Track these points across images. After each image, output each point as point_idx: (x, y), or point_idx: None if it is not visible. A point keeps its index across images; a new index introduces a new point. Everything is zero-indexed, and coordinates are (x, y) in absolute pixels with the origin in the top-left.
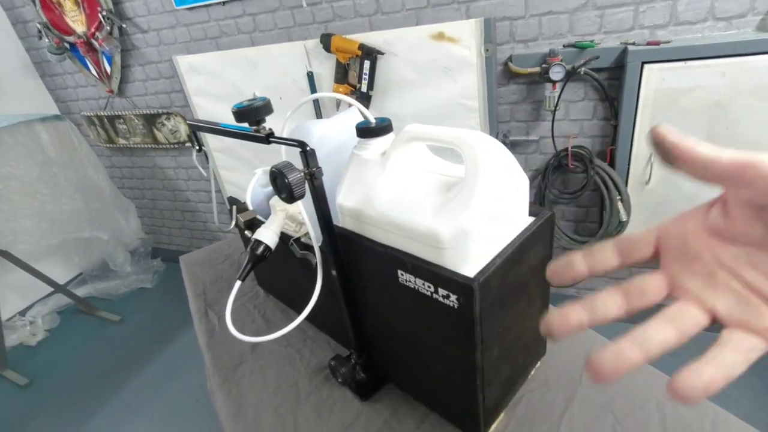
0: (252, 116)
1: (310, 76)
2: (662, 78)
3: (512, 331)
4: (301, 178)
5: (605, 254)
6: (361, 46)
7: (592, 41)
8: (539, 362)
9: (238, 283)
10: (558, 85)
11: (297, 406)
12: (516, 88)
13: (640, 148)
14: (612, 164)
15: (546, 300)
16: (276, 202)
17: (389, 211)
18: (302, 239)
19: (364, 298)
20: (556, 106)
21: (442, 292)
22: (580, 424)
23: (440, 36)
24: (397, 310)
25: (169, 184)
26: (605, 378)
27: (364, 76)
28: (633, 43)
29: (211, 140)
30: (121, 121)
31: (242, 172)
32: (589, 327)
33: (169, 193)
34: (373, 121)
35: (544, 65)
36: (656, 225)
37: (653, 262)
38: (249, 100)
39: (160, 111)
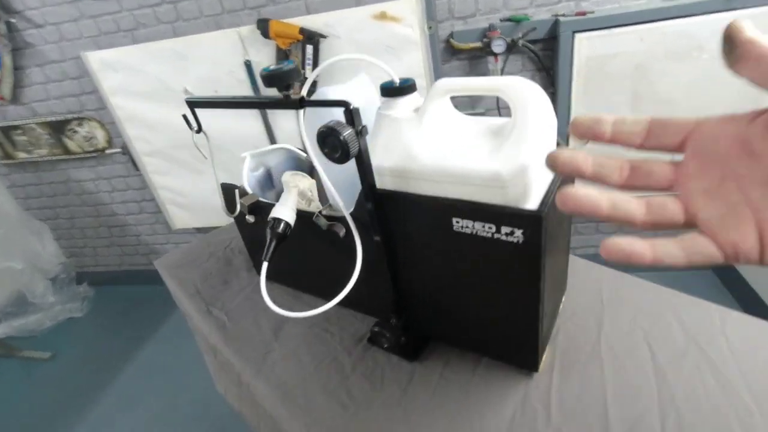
0: (283, 80)
1: (249, 65)
2: (591, 46)
3: (555, 265)
4: (354, 135)
5: (635, 127)
6: (302, 30)
7: (525, 15)
8: (564, 297)
9: (266, 264)
10: (500, 58)
11: (345, 380)
12: (459, 64)
13: (578, 113)
14: None
15: (568, 236)
16: (289, 178)
17: (440, 161)
18: (323, 212)
19: (408, 258)
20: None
21: (505, 230)
22: (616, 340)
23: (382, 16)
24: (449, 261)
25: (89, 199)
26: (570, 201)
27: (307, 61)
28: (563, 15)
29: (139, 144)
30: (20, 131)
31: (178, 175)
32: (591, 179)
33: (89, 208)
34: (397, 80)
35: (485, 40)
36: (696, 117)
37: (675, 151)
38: (277, 64)
39: (68, 117)
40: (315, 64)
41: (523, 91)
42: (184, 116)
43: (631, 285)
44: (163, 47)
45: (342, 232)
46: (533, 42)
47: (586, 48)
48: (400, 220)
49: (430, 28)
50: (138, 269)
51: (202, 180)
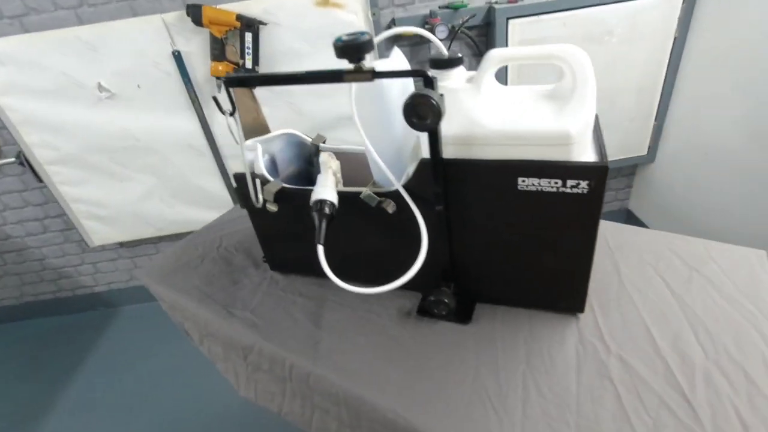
0: (361, 50)
1: (177, 56)
2: (523, 31)
3: None
4: (441, 99)
5: None
6: (240, 17)
7: (462, 2)
8: None
9: (321, 247)
10: (443, 44)
11: (408, 353)
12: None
13: None
14: None
15: None
16: (327, 159)
17: (506, 125)
18: (370, 190)
19: (465, 224)
20: None
21: (570, 183)
22: (635, 277)
23: (325, 2)
24: (509, 221)
25: None
26: None
27: (247, 50)
28: (496, 2)
29: (41, 152)
30: None
31: (95, 184)
32: None
33: None
34: (446, 53)
35: (426, 26)
36: None
37: None
38: (350, 34)
39: None
40: (255, 54)
41: (580, 56)
42: (215, 98)
43: (630, 232)
44: (65, 37)
45: (391, 208)
46: (469, 28)
47: (518, 33)
48: (462, 186)
49: (374, 14)
50: (44, 299)
51: (127, 187)
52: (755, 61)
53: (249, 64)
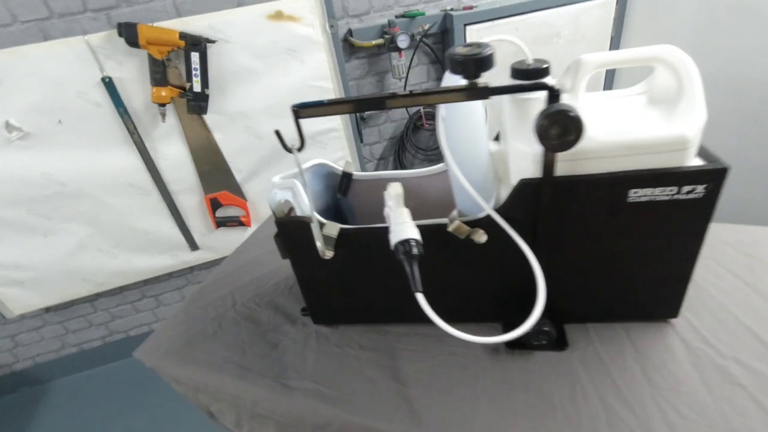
0: (482, 66)
1: (109, 83)
2: (479, 37)
3: None
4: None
5: None
6: (183, 35)
7: (417, 10)
8: None
9: (421, 295)
10: (404, 53)
11: (523, 397)
12: (358, 63)
13: None
14: None
15: None
16: (395, 189)
17: (617, 135)
18: (458, 220)
19: (561, 244)
20: (408, 72)
21: (686, 188)
22: (701, 270)
23: (278, 15)
24: (613, 235)
25: None
26: None
27: (194, 71)
28: (451, 9)
29: None
30: None
31: (10, 243)
32: None
33: None
34: (531, 61)
35: (386, 36)
36: None
37: None
38: (468, 46)
39: None
40: (204, 75)
41: (683, 57)
42: (277, 132)
43: None
44: None
45: (483, 238)
46: (427, 36)
47: (475, 39)
48: (564, 204)
49: (332, 26)
50: None
51: (53, 242)
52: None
53: (197, 87)
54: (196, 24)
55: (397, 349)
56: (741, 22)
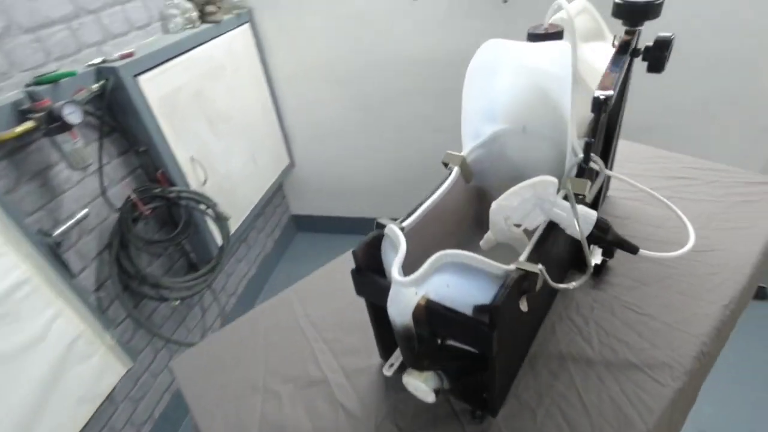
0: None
1: None
2: (156, 85)
3: None
4: None
5: None
6: None
7: (58, 71)
8: None
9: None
10: (77, 131)
11: None
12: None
13: (181, 154)
14: (172, 183)
15: None
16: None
17: None
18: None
19: None
20: (100, 153)
21: None
22: None
23: None
24: None
25: None
26: None
27: None
28: (104, 61)
29: None
30: None
31: None
32: None
33: None
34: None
35: (34, 115)
36: None
37: None
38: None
39: None
40: None
41: None
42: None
43: None
44: None
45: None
46: (86, 102)
47: (153, 89)
48: None
49: None
50: None
51: None
52: (319, 60)
53: None
54: None
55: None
56: (361, 27)
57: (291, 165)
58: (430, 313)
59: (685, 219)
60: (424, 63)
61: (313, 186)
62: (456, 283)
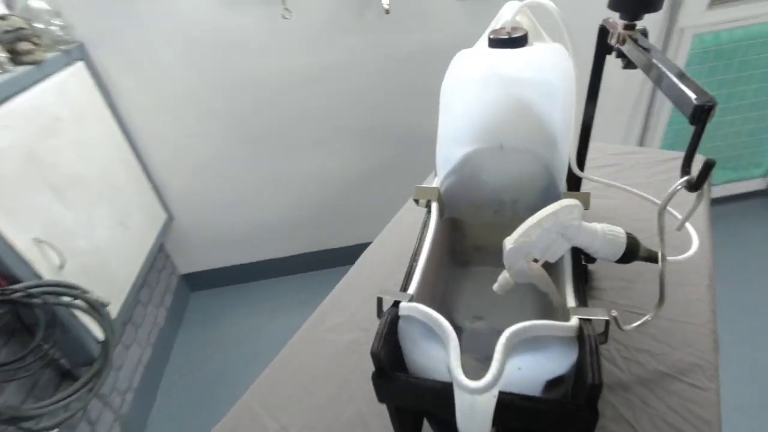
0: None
1: None
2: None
3: None
4: None
5: None
6: None
7: None
8: None
9: None
10: None
11: None
12: None
13: (19, 238)
14: (15, 280)
15: None
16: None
17: None
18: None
19: None
20: None
21: None
22: None
23: None
24: None
25: None
26: None
27: None
28: None
29: None
30: None
31: None
32: None
33: None
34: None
35: None
36: None
37: None
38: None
39: None
40: None
41: None
42: None
43: None
44: None
45: None
46: None
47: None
48: None
49: None
50: None
51: None
52: (183, 93)
53: None
54: None
55: None
56: (230, 48)
57: (170, 219)
58: (511, 409)
59: (682, 219)
60: (311, 82)
61: (200, 238)
62: (528, 361)
